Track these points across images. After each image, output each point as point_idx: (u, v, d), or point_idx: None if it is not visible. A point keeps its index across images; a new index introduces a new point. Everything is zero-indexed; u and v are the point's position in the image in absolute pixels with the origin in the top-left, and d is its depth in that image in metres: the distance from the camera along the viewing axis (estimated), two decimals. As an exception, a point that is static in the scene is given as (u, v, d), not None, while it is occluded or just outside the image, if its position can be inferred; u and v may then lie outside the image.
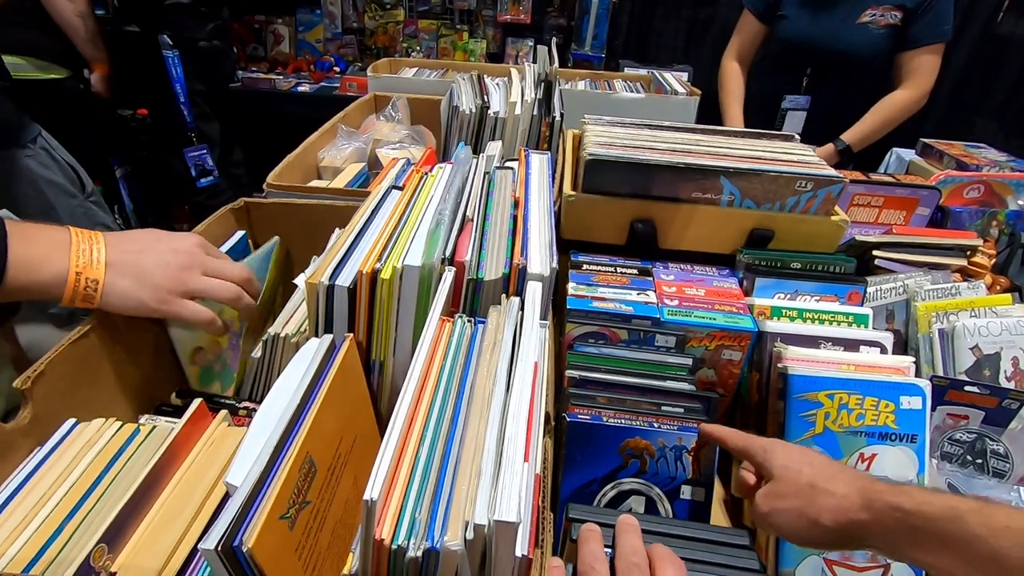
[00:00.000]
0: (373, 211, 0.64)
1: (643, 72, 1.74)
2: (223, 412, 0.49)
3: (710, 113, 1.76)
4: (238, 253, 0.71)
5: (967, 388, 0.65)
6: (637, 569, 0.37)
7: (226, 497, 0.41)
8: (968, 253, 0.90)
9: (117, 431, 0.46)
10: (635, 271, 0.75)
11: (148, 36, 1.95)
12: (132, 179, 2.45)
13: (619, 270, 0.76)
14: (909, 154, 1.74)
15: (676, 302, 0.69)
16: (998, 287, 0.91)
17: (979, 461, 0.67)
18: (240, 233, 0.71)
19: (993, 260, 0.97)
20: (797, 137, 0.87)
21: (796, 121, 1.62)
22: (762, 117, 1.65)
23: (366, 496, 0.30)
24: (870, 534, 0.41)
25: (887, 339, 0.66)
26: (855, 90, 1.57)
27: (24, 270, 0.47)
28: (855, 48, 1.53)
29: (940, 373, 0.72)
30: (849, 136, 1.58)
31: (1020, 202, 1.15)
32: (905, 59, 1.51)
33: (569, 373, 0.61)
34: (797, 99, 1.62)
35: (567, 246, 0.81)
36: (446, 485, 0.34)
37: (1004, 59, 2.62)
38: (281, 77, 2.76)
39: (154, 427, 0.46)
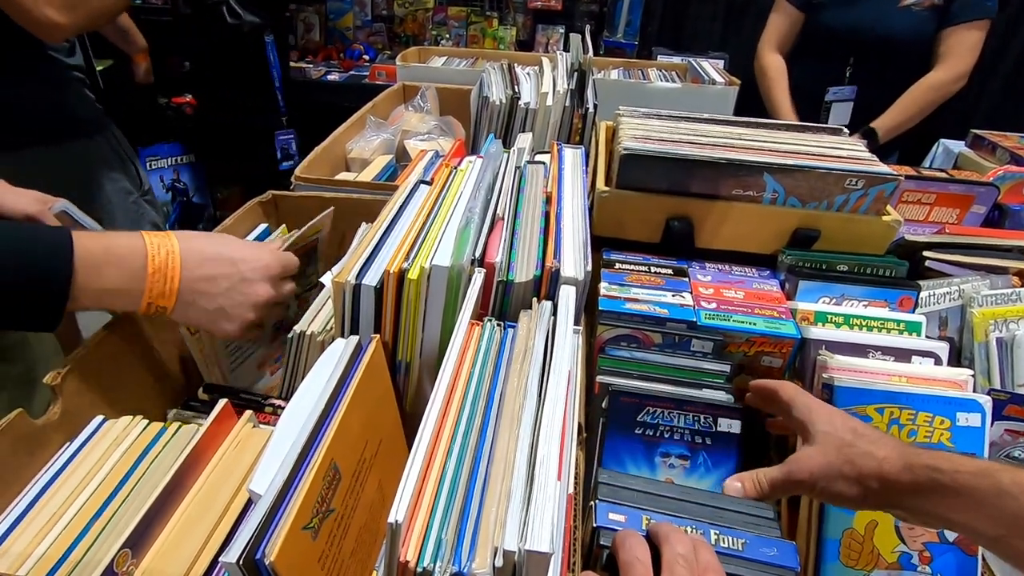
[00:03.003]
0: (401, 207, 0.63)
1: (678, 60, 1.68)
2: (248, 413, 0.48)
3: (749, 103, 1.69)
4: None
5: (1029, 403, 0.61)
6: (683, 560, 0.37)
7: (249, 503, 0.40)
8: (1029, 255, 0.84)
9: (144, 430, 0.46)
10: (670, 271, 0.72)
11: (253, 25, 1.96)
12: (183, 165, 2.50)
13: (653, 269, 0.73)
14: (958, 146, 1.64)
15: (713, 305, 0.66)
16: (1061, 292, 0.85)
17: (1039, 481, 0.62)
18: (263, 226, 0.71)
19: (1056, 263, 0.91)
20: (846, 131, 0.82)
21: (842, 112, 1.54)
22: (803, 110, 1.57)
23: (391, 519, 0.29)
24: (907, 495, 0.43)
25: (942, 349, 0.61)
26: (900, 77, 1.48)
27: (94, 301, 0.46)
28: (898, 33, 1.45)
29: (997, 385, 0.67)
30: (878, 122, 1.49)
31: (1086, 200, 1.07)
32: (942, 37, 1.42)
33: (600, 379, 0.59)
34: (841, 90, 1.53)
35: (599, 243, 0.78)
36: (474, 505, 0.32)
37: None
38: (311, 66, 2.77)
39: (180, 427, 0.46)
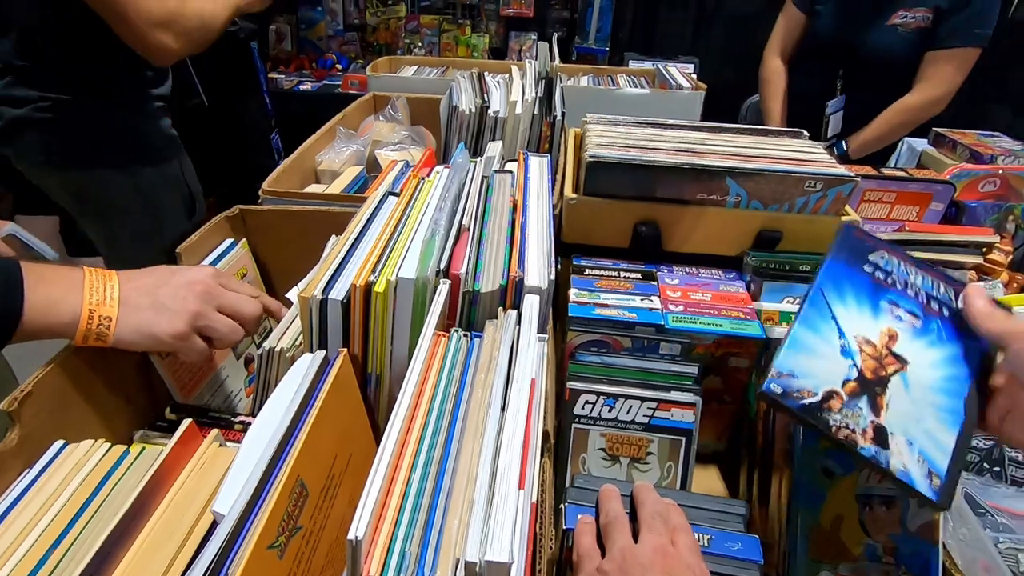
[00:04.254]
0: (368, 219, 0.63)
1: (648, 66, 1.71)
2: (214, 432, 0.48)
3: (716, 107, 1.72)
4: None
5: (984, 394, 0.63)
6: (660, 517, 0.42)
7: (214, 524, 0.40)
8: (984, 250, 0.88)
9: (106, 453, 0.45)
10: (639, 275, 0.73)
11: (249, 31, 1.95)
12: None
13: (622, 274, 0.73)
14: (921, 144, 1.69)
15: (681, 308, 0.67)
16: (1015, 285, 0.89)
17: (996, 469, 0.65)
18: (228, 241, 0.70)
19: (1010, 257, 0.94)
20: (806, 134, 0.84)
21: (835, 122, 1.57)
22: (801, 114, 1.58)
23: (350, 536, 0.29)
24: None
25: (900, 345, 0.63)
26: (887, 92, 1.49)
27: (40, 313, 0.47)
28: (884, 50, 1.45)
29: (956, 378, 0.69)
30: (853, 139, 1.51)
31: (1037, 195, 1.11)
32: (925, 60, 1.42)
33: (571, 385, 0.60)
34: (837, 101, 1.55)
35: (569, 249, 0.79)
36: (437, 517, 0.33)
37: (1019, 46, 2.56)
38: (283, 76, 2.75)
39: (143, 449, 0.45)
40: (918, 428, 0.47)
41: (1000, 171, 1.10)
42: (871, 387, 0.49)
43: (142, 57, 0.96)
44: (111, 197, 1.08)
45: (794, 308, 0.67)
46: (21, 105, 0.98)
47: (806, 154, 0.76)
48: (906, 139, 2.07)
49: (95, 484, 0.43)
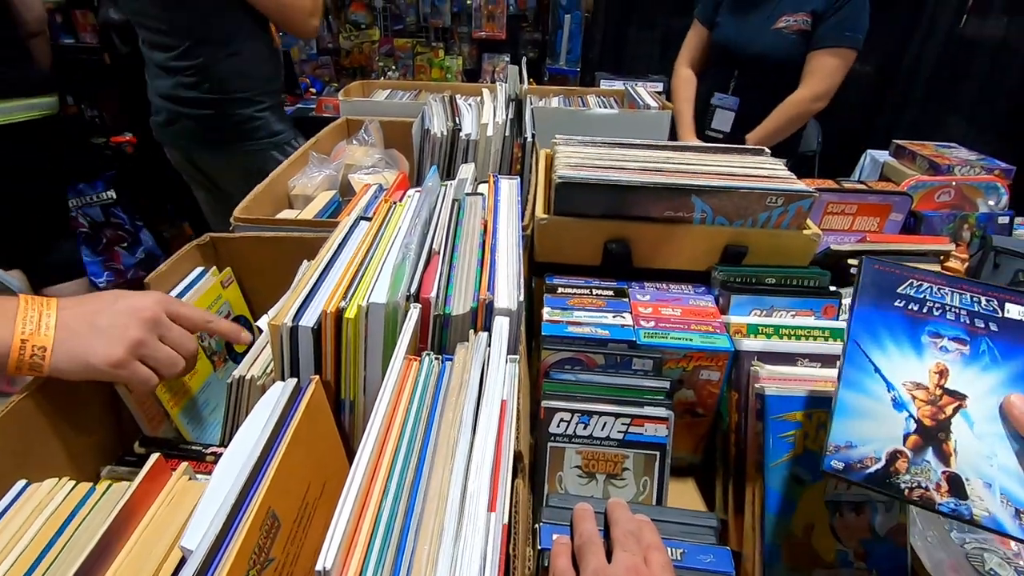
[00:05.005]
0: (340, 245, 0.63)
1: (618, 86, 1.75)
2: (183, 465, 0.47)
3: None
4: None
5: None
6: (632, 536, 0.42)
7: (183, 561, 0.39)
8: (942, 258, 0.91)
9: (71, 491, 0.44)
10: (611, 292, 0.75)
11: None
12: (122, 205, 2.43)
13: (595, 292, 0.75)
14: (883, 155, 1.76)
15: (652, 323, 0.68)
16: (972, 291, 0.92)
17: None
18: (198, 270, 0.70)
19: (966, 264, 0.98)
20: (767, 151, 0.87)
21: (724, 120, 1.71)
22: (700, 117, 1.76)
23: (319, 567, 0.29)
24: None
25: (863, 353, 0.65)
26: (776, 93, 1.62)
27: None
28: (771, 52, 1.60)
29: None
30: (753, 135, 1.65)
31: (990, 203, 1.16)
32: (808, 59, 1.57)
33: (545, 404, 0.60)
34: (725, 98, 1.70)
35: (542, 268, 0.80)
36: (408, 544, 0.33)
37: (970, 60, 2.68)
38: (257, 100, 2.74)
39: (109, 485, 0.45)
40: (993, 465, 0.44)
41: (954, 182, 1.14)
42: (933, 435, 0.45)
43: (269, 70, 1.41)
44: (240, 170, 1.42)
45: (761, 320, 0.69)
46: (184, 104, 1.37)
47: (768, 170, 0.78)
48: (869, 151, 2.14)
49: (59, 524, 0.42)
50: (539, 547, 0.45)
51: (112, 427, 0.59)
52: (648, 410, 0.60)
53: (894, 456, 0.45)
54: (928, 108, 2.82)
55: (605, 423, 0.60)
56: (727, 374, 0.66)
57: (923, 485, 0.44)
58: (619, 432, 0.60)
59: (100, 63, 2.58)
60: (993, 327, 0.47)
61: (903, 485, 0.44)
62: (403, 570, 0.31)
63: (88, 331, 0.49)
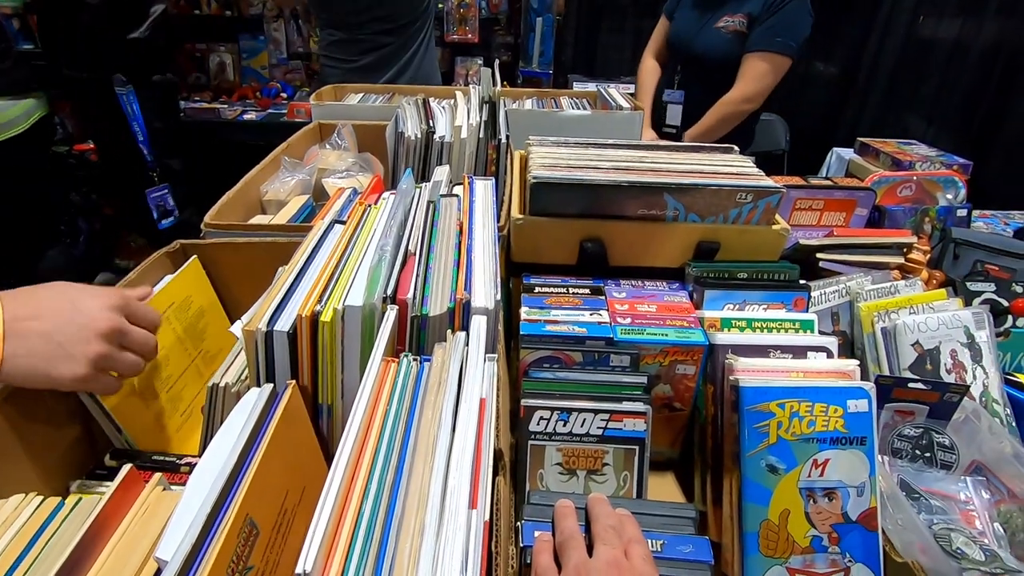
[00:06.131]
0: (315, 248, 0.63)
1: (591, 88, 1.77)
2: (157, 476, 0.46)
3: (660, 123, 1.83)
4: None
5: (911, 385, 0.67)
6: (613, 530, 0.43)
7: (159, 573, 0.38)
8: (905, 250, 0.94)
9: (38, 507, 0.43)
10: (587, 290, 0.75)
11: (100, 77, 1.87)
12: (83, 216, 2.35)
13: (571, 291, 0.75)
14: (848, 153, 1.82)
15: (628, 320, 0.69)
16: (934, 281, 0.95)
17: (927, 455, 0.69)
18: (169, 277, 0.68)
19: (928, 255, 1.01)
20: (736, 149, 0.89)
21: (675, 114, 1.78)
22: (661, 114, 1.82)
23: (299, 569, 0.29)
24: None
25: (832, 343, 0.67)
26: (716, 89, 1.66)
27: None
28: (710, 50, 1.65)
29: (886, 371, 0.74)
30: (689, 134, 1.71)
31: (949, 197, 1.21)
32: (742, 61, 1.61)
33: (525, 402, 0.60)
34: (673, 93, 1.76)
35: (519, 269, 0.80)
36: (390, 543, 0.33)
37: (927, 59, 2.78)
38: (226, 106, 2.70)
39: (79, 500, 0.43)
40: None
41: (915, 177, 1.18)
42: None
43: None
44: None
45: (734, 314, 0.71)
46: None
47: (737, 168, 0.80)
48: (835, 149, 2.21)
49: (27, 539, 0.41)
50: (522, 544, 0.46)
51: (82, 441, 0.57)
52: (626, 405, 0.61)
53: None
54: (891, 106, 2.92)
55: (584, 419, 0.60)
56: (703, 368, 0.68)
57: None
58: (598, 428, 0.61)
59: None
60: None
61: None
62: (385, 569, 0.31)
63: (45, 347, 0.47)
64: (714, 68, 1.66)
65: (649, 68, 1.86)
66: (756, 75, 1.59)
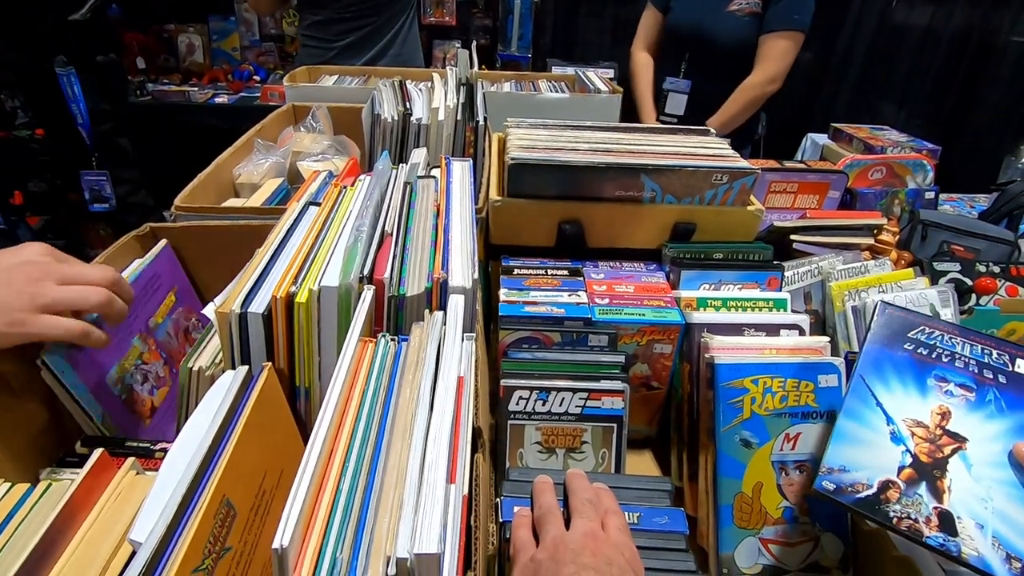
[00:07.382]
0: (289, 230, 0.61)
1: (569, 71, 1.76)
2: (130, 460, 0.45)
3: (633, 110, 1.82)
4: (139, 287, 0.66)
5: (879, 361, 0.69)
6: (590, 503, 0.43)
7: (133, 555, 0.38)
8: (875, 232, 0.96)
9: (7, 492, 0.42)
10: (566, 272, 0.76)
11: (40, 59, 1.79)
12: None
13: (550, 272, 0.76)
14: (822, 138, 1.85)
15: (607, 300, 0.70)
16: (903, 262, 0.97)
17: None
18: (137, 261, 0.67)
19: (897, 237, 1.04)
20: (713, 131, 0.90)
21: (677, 103, 1.73)
22: (656, 103, 1.77)
23: (275, 544, 0.29)
24: None
25: (804, 321, 0.69)
26: (729, 76, 1.65)
27: None
28: (723, 35, 1.62)
29: (855, 348, 0.76)
30: (713, 121, 1.67)
31: (918, 180, 1.23)
32: (760, 43, 1.60)
33: (504, 382, 0.61)
34: (677, 82, 1.72)
35: (497, 251, 0.80)
36: (369, 519, 0.33)
37: (899, 46, 2.83)
38: (196, 89, 2.62)
39: (49, 485, 0.42)
40: (988, 508, 0.45)
41: (885, 160, 1.21)
42: (928, 471, 0.47)
43: None
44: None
45: (710, 294, 0.72)
46: None
47: (713, 149, 0.81)
48: (809, 134, 2.24)
49: (-5, 526, 0.40)
50: (501, 520, 0.46)
51: (51, 429, 0.56)
52: (604, 383, 0.62)
53: (886, 485, 0.47)
54: (864, 92, 2.97)
55: (563, 398, 0.61)
56: (679, 347, 0.69)
57: (912, 516, 0.46)
58: (577, 406, 0.61)
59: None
60: (1002, 379, 0.50)
61: (892, 514, 0.46)
62: (364, 543, 0.31)
63: None
64: (727, 53, 1.63)
65: (643, 62, 1.81)
66: (778, 54, 1.57)
